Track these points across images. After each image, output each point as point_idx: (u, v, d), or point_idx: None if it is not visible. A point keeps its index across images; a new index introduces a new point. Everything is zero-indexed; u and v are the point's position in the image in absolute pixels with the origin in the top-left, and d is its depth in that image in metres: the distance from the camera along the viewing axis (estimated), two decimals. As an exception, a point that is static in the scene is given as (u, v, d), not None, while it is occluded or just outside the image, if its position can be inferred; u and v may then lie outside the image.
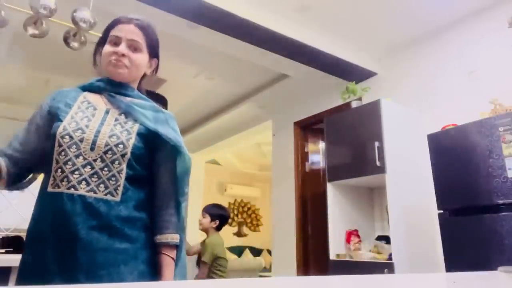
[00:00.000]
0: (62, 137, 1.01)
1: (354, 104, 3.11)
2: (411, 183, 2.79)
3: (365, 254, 2.76)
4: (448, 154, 2.27)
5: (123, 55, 1.09)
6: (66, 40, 2.33)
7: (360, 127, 2.90)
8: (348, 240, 2.94)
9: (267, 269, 6.85)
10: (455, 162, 2.22)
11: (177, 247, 1.09)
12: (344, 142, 3.02)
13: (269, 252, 6.96)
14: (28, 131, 1.10)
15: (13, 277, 1.72)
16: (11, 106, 4.67)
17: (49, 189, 0.99)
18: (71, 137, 1.01)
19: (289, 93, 4.31)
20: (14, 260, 1.76)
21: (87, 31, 2.29)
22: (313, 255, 3.94)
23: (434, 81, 3.13)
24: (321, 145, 4.29)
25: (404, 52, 3.43)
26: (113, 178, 1.01)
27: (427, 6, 2.90)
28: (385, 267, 2.52)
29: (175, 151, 1.10)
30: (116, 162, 1.02)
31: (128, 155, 1.03)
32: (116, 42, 1.11)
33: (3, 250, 2.16)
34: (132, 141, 1.05)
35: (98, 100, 1.12)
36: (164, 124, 1.12)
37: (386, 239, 2.83)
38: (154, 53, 1.19)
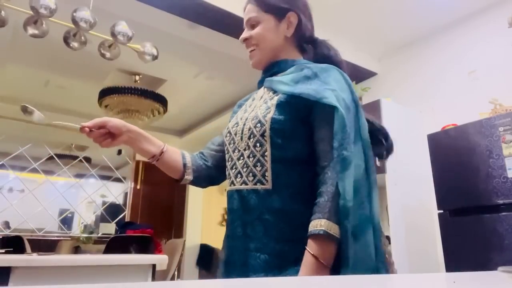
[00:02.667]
0: (225, 136, 1.00)
1: (354, 104, 3.10)
2: (411, 183, 2.79)
3: (365, 254, 2.76)
4: (448, 154, 2.27)
5: (246, 39, 1.01)
6: (66, 40, 2.33)
7: (360, 127, 2.90)
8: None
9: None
10: (455, 162, 2.22)
11: (335, 240, 0.77)
12: (344, 142, 3.02)
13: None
14: (222, 134, 1.08)
15: (13, 277, 1.72)
16: (11, 106, 4.66)
17: (227, 189, 0.97)
18: (230, 133, 0.98)
19: (289, 93, 4.31)
20: (14, 260, 1.76)
21: (87, 31, 2.29)
22: (313, 255, 3.94)
23: (434, 81, 3.13)
24: (321, 145, 4.29)
25: (404, 52, 3.43)
26: (259, 164, 0.87)
27: (427, 6, 2.90)
28: (385, 267, 2.52)
29: (325, 108, 0.84)
30: (258, 144, 0.88)
31: (268, 132, 0.86)
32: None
33: (3, 250, 2.16)
34: (270, 115, 0.88)
35: (262, 90, 1.03)
36: (309, 80, 0.89)
37: (386, 239, 2.83)
38: (280, 11, 0.99)
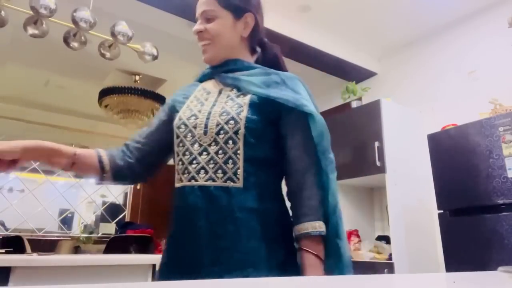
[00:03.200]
0: (178, 127, 0.95)
1: (354, 104, 3.11)
2: (411, 183, 2.79)
3: (365, 254, 2.76)
4: (448, 154, 2.27)
5: (200, 31, 0.98)
6: (66, 40, 2.33)
7: (360, 127, 2.90)
8: (348, 240, 2.95)
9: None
10: (455, 162, 2.22)
11: (325, 239, 0.84)
12: (344, 142, 3.02)
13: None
14: (151, 125, 1.05)
15: (13, 277, 1.72)
16: (11, 106, 4.66)
17: (176, 184, 0.93)
18: (185, 125, 0.93)
19: (289, 93, 4.30)
20: (14, 260, 1.76)
21: (87, 31, 2.29)
22: (313, 255, 3.94)
23: (434, 81, 3.13)
24: (321, 145, 4.29)
25: (404, 52, 3.43)
26: (230, 161, 0.86)
27: (427, 6, 2.89)
28: (385, 267, 2.52)
29: (300, 115, 0.89)
30: (230, 141, 0.87)
31: (242, 130, 0.86)
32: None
33: (3, 250, 2.16)
34: (244, 113, 0.88)
35: (213, 84, 1.01)
36: (279, 86, 0.93)
37: (386, 239, 2.83)
38: (238, 10, 0.99)
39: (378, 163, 2.67)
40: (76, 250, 2.88)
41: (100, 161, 0.97)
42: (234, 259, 0.82)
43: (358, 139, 2.89)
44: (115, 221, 3.87)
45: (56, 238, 3.72)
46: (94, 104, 4.07)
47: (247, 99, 0.91)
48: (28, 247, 2.57)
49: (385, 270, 2.49)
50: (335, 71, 3.58)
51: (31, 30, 2.21)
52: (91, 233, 3.41)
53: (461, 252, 2.10)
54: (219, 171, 0.86)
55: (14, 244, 2.40)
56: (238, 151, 0.87)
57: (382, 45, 3.46)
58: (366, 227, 3.19)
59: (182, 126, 0.94)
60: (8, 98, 4.62)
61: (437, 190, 2.27)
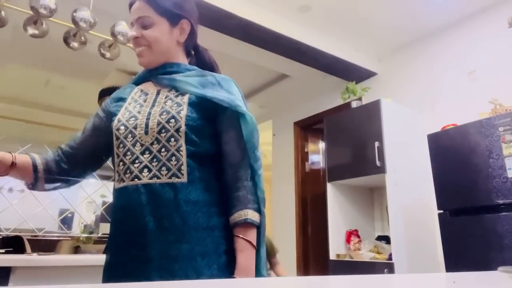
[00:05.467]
0: (118, 129, 0.96)
1: (354, 104, 3.11)
2: (411, 183, 2.79)
3: (365, 254, 2.76)
4: (448, 154, 2.27)
5: (136, 38, 1.01)
6: (66, 40, 2.33)
7: (360, 127, 2.90)
8: (348, 240, 2.94)
9: (267, 269, 6.85)
10: (455, 162, 2.22)
11: (257, 227, 0.90)
12: (344, 142, 3.02)
13: (269, 252, 6.95)
14: (85, 129, 1.07)
15: (13, 277, 1.72)
16: (11, 106, 4.67)
17: (116, 185, 0.95)
18: (125, 126, 0.95)
19: (289, 93, 4.31)
20: (14, 260, 1.76)
21: (87, 31, 2.29)
22: (313, 255, 3.94)
23: (434, 81, 3.13)
24: (321, 145, 4.29)
25: (404, 52, 3.43)
26: (173, 158, 0.90)
27: (427, 6, 2.90)
28: (385, 267, 2.52)
29: (233, 114, 0.95)
30: (172, 139, 0.91)
31: (183, 128, 0.91)
32: (131, 28, 1.04)
33: (3, 250, 2.16)
34: (184, 112, 0.93)
35: (150, 86, 1.05)
36: (214, 86, 0.98)
37: (386, 239, 2.83)
38: (174, 17, 1.03)
39: (378, 163, 2.67)
40: (76, 250, 2.88)
41: (34, 167, 0.99)
42: (182, 250, 0.85)
43: (358, 139, 2.89)
44: (115, 221, 3.86)
45: (56, 238, 3.71)
46: (94, 104, 4.06)
47: (185, 98, 0.96)
48: (28, 247, 2.57)
49: (385, 270, 2.49)
50: (335, 71, 3.58)
51: (31, 30, 2.21)
52: (91, 233, 3.41)
53: (461, 252, 2.10)
54: (163, 168, 0.90)
55: (14, 244, 2.40)
56: (181, 148, 0.91)
57: (382, 45, 3.46)
58: (366, 227, 3.19)
59: (122, 127, 0.96)
60: (8, 98, 4.62)
61: (437, 190, 2.27)
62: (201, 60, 1.13)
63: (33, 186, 1.01)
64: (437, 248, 2.64)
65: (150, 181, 0.89)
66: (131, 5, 1.04)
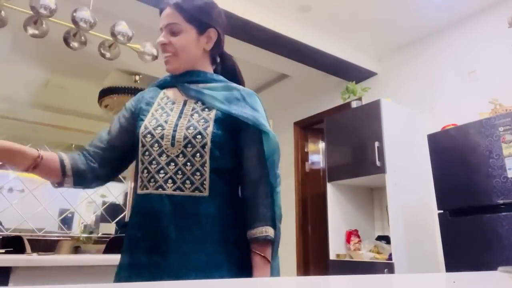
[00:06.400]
0: (144, 136, 0.98)
1: (354, 104, 3.11)
2: (411, 183, 2.79)
3: (365, 254, 2.76)
4: (448, 154, 2.27)
5: (164, 44, 1.03)
6: (66, 40, 2.33)
7: (360, 127, 2.90)
8: (348, 240, 2.95)
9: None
10: (455, 162, 2.22)
11: (272, 243, 0.94)
12: (344, 142, 3.02)
13: (269, 252, 6.95)
14: (111, 130, 1.07)
15: (13, 277, 1.72)
16: (11, 106, 4.67)
17: (139, 191, 0.97)
18: (152, 135, 0.97)
19: (289, 93, 4.31)
20: (14, 260, 1.76)
21: (87, 31, 2.29)
22: (313, 255, 3.94)
23: (434, 81, 3.13)
24: (321, 145, 4.29)
25: (404, 52, 3.43)
26: (198, 173, 0.93)
27: (427, 6, 2.89)
28: (385, 267, 2.52)
29: (257, 131, 0.98)
30: (198, 154, 0.94)
31: (209, 145, 0.94)
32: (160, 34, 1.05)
33: (3, 250, 2.16)
34: (210, 129, 0.95)
35: (176, 94, 1.06)
36: (239, 102, 1.01)
37: (386, 239, 2.83)
38: (202, 26, 1.04)
39: (378, 163, 2.67)
40: (76, 250, 2.88)
41: (62, 165, 0.98)
42: (200, 261, 0.89)
43: (358, 139, 2.89)
44: (115, 221, 3.86)
45: (56, 238, 3.72)
46: (94, 104, 4.07)
47: (212, 114, 0.98)
48: (28, 247, 2.57)
49: (385, 270, 2.50)
50: (335, 71, 3.58)
51: (31, 30, 2.21)
52: (91, 233, 3.41)
53: (461, 252, 2.10)
54: (187, 181, 0.93)
55: (14, 244, 2.40)
56: (205, 164, 0.94)
57: (382, 45, 3.46)
58: (366, 227, 3.19)
59: (148, 136, 0.98)
60: (8, 98, 4.62)
61: (437, 190, 2.27)
62: (226, 68, 1.16)
63: (59, 184, 1.00)
64: (437, 248, 2.64)
65: (174, 192, 0.92)
66: (161, 11, 1.06)
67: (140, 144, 0.98)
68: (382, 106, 2.78)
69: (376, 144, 2.70)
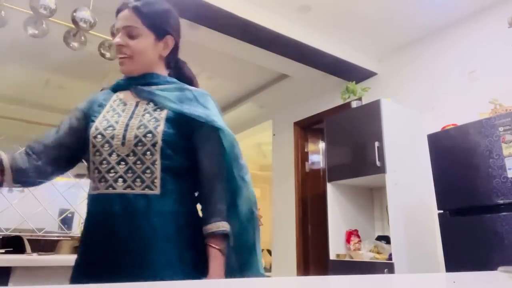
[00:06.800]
0: (95, 137, 0.98)
1: (354, 104, 3.11)
2: (411, 183, 2.79)
3: (365, 254, 2.76)
4: (448, 154, 2.27)
5: (121, 45, 1.03)
6: (66, 40, 2.33)
7: (360, 127, 2.90)
8: (348, 240, 2.94)
9: (267, 269, 6.85)
10: (455, 162, 2.22)
11: (227, 237, 0.96)
12: (344, 142, 3.02)
13: (269, 252, 6.96)
14: (59, 129, 1.07)
15: (13, 277, 1.72)
16: (11, 106, 4.67)
17: (90, 192, 0.98)
18: (102, 135, 0.98)
19: (289, 93, 4.31)
20: (14, 260, 1.76)
21: (87, 31, 2.29)
22: (313, 255, 3.94)
23: (434, 81, 3.13)
24: (321, 145, 4.29)
25: (404, 52, 3.43)
26: (148, 171, 0.94)
27: (427, 6, 2.89)
28: (385, 267, 2.52)
29: (210, 129, 0.99)
30: (148, 153, 0.95)
31: (159, 143, 0.95)
32: (116, 34, 1.05)
33: (3, 250, 2.16)
34: (161, 127, 0.96)
35: (129, 96, 1.07)
36: (192, 102, 1.02)
37: (386, 239, 2.83)
38: (160, 32, 1.06)
39: (378, 163, 2.67)
40: (76, 250, 2.88)
41: (0, 165, 0.97)
42: (152, 260, 0.89)
43: (358, 139, 2.89)
44: (115, 221, 3.86)
45: (56, 238, 3.71)
46: (94, 104, 4.06)
47: (163, 114, 0.99)
48: (28, 247, 2.57)
49: (385, 270, 2.49)
50: (335, 71, 3.58)
51: (31, 30, 2.21)
52: (91, 233, 3.40)
53: (461, 252, 2.10)
54: (138, 179, 0.93)
55: (14, 244, 2.40)
56: (156, 162, 0.95)
57: (382, 45, 3.46)
58: (366, 227, 3.19)
59: (99, 136, 0.98)
60: (8, 98, 4.62)
61: (437, 190, 2.27)
62: (180, 73, 1.18)
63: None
64: (437, 248, 2.64)
65: (125, 191, 0.92)
66: (118, 11, 1.07)
67: (91, 145, 0.99)
68: (382, 106, 2.78)
69: (376, 144, 2.70)
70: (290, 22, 3.07)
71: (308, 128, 4.34)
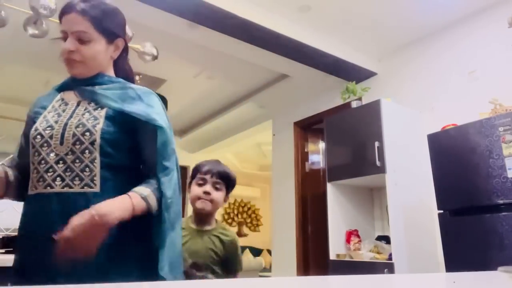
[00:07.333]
0: (34, 138, 0.98)
1: (354, 104, 3.11)
2: (411, 183, 2.79)
3: (365, 254, 2.76)
4: (448, 154, 2.27)
5: (71, 51, 1.02)
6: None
7: (360, 127, 2.90)
8: (348, 240, 2.95)
9: (267, 269, 6.85)
10: (455, 162, 2.22)
11: (147, 203, 0.94)
12: (344, 142, 3.02)
13: (269, 252, 6.96)
14: (21, 142, 1.08)
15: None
16: (11, 106, 4.66)
17: (29, 192, 0.97)
18: (41, 136, 0.97)
19: (289, 93, 4.31)
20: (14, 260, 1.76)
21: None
22: (313, 255, 3.94)
23: (434, 81, 3.13)
24: (321, 145, 4.29)
25: (404, 52, 3.43)
26: (87, 169, 0.94)
27: (427, 6, 2.89)
28: (385, 267, 2.52)
29: (151, 127, 0.99)
30: (86, 151, 0.94)
31: (98, 141, 0.95)
32: (64, 38, 1.03)
33: (3, 250, 2.15)
34: (100, 126, 0.96)
35: (71, 96, 1.06)
36: (134, 101, 1.02)
37: (386, 239, 2.83)
38: (111, 35, 1.06)
39: (378, 163, 2.67)
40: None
41: (7, 178, 1.00)
42: (91, 259, 0.86)
43: (358, 139, 2.89)
44: (115, 221, 3.86)
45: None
46: (94, 104, 4.06)
47: (103, 112, 1.00)
48: (28, 247, 2.56)
49: (385, 270, 2.49)
50: (335, 71, 3.58)
51: (31, 30, 2.21)
52: (91, 233, 3.40)
53: (461, 252, 2.10)
54: (76, 178, 0.93)
55: (14, 244, 2.40)
56: (95, 160, 0.95)
57: (382, 45, 3.46)
58: (366, 227, 3.19)
59: (38, 137, 0.98)
60: (8, 98, 4.62)
61: (437, 190, 2.27)
62: (122, 69, 1.17)
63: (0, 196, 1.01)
64: (437, 248, 2.64)
65: (63, 190, 0.92)
66: (63, 13, 1.03)
67: (31, 146, 0.98)
68: (382, 106, 2.78)
69: (376, 144, 2.70)
70: (290, 22, 3.07)
71: (308, 128, 4.34)
